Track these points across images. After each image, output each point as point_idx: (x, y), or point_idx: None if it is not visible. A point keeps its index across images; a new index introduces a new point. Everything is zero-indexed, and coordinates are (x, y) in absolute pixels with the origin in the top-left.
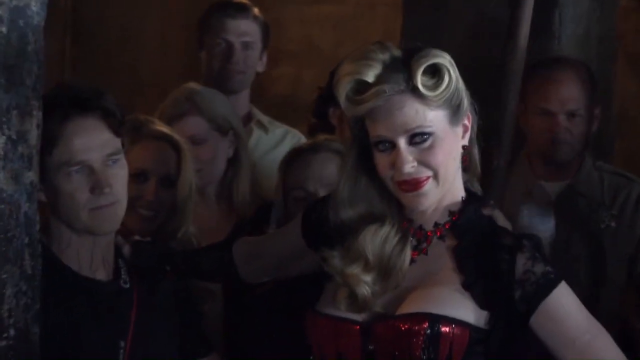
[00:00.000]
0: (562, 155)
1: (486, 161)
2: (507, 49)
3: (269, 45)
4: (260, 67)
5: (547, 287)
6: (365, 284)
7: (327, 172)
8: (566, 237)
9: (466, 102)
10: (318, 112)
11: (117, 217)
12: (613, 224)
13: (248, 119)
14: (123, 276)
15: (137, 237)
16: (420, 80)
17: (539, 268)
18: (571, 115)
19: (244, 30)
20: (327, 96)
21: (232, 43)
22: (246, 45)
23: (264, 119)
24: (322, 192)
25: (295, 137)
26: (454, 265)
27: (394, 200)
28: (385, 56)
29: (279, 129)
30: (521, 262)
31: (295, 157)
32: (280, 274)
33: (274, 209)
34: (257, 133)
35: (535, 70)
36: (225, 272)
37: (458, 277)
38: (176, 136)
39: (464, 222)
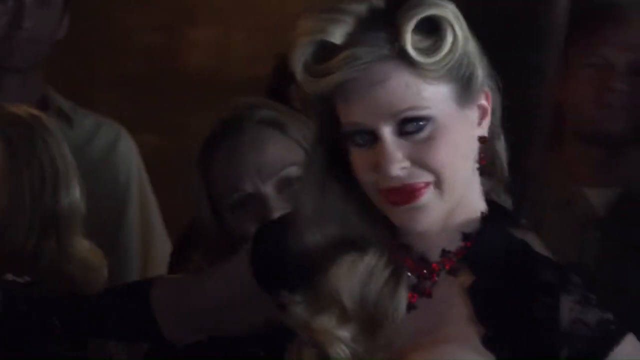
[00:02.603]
0: (613, 124)
1: (513, 160)
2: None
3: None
4: (60, 33)
5: (606, 343)
6: (342, 342)
7: (268, 156)
8: (615, 265)
9: (481, 73)
10: (275, 92)
11: None
12: None
13: (43, 106)
14: None
15: (10, 276)
16: (410, 40)
17: (594, 315)
18: (636, 71)
19: None
20: (289, 69)
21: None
22: (42, 3)
23: (66, 105)
24: (267, 189)
25: (113, 130)
26: (470, 312)
27: (381, 217)
28: (360, 6)
29: (88, 119)
30: (567, 306)
31: (213, 145)
32: (221, 330)
33: (199, 239)
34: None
35: (584, 19)
36: (140, 329)
37: (476, 330)
38: None
39: (484, 249)
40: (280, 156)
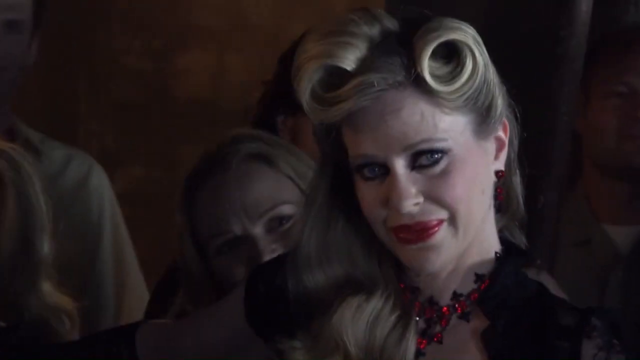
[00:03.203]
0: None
1: (528, 196)
2: (561, 22)
3: (44, 27)
4: (29, 60)
5: None
6: None
7: (256, 194)
8: (638, 308)
9: (501, 102)
10: (262, 122)
11: None
12: None
13: (10, 137)
14: None
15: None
16: (428, 67)
17: None
18: None
19: (9, 2)
20: (276, 97)
21: None
22: (11, 26)
23: (34, 137)
24: (256, 230)
25: (84, 163)
26: (484, 359)
27: (389, 257)
28: (373, 30)
29: (57, 151)
30: (590, 353)
31: (197, 183)
32: None
33: (183, 281)
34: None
35: (606, 44)
36: None
37: None
38: None
39: (499, 291)
40: (269, 194)
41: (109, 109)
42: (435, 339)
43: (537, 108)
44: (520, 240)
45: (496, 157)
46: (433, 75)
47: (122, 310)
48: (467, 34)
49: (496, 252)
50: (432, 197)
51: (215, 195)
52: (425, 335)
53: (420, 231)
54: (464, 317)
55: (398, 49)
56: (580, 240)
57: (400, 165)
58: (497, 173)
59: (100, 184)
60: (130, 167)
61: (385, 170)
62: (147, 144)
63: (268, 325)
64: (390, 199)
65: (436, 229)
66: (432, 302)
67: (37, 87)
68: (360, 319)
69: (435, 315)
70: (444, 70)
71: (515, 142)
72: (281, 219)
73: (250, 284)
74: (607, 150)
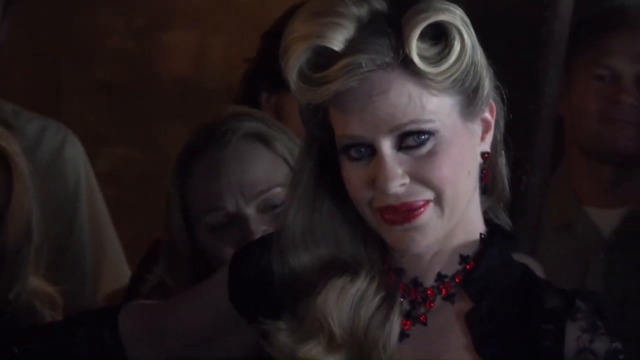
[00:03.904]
0: (622, 141)
1: (512, 178)
2: (545, 3)
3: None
4: (1, 38)
5: None
6: None
7: (252, 174)
8: (624, 293)
9: (488, 84)
10: (246, 100)
11: None
12: None
13: None
14: None
15: None
16: (416, 48)
17: (602, 344)
18: None
19: None
20: (259, 74)
21: None
22: None
23: (7, 108)
24: (249, 210)
25: (59, 133)
26: (468, 341)
27: (374, 238)
28: (361, 10)
29: (31, 124)
30: (573, 335)
31: (193, 156)
32: None
33: (164, 251)
34: None
35: (588, 26)
36: (105, 357)
37: None
38: (4, 143)
39: (484, 273)
40: (265, 175)
41: (92, 88)
42: (419, 321)
43: (521, 91)
44: (505, 222)
45: (482, 139)
46: (421, 57)
47: (100, 282)
48: (455, 15)
49: (481, 234)
50: (419, 178)
51: (211, 171)
52: (409, 316)
53: (406, 212)
54: (449, 298)
55: (386, 29)
56: (562, 223)
57: (387, 146)
58: (483, 155)
59: (76, 153)
60: (113, 146)
61: (371, 151)
62: (130, 124)
63: (252, 306)
64: (376, 179)
65: (422, 209)
66: (416, 283)
67: (20, 67)
68: (345, 300)
69: (419, 297)
70: (432, 51)
71: (502, 124)
72: (273, 201)
73: (235, 265)
74: (589, 133)
